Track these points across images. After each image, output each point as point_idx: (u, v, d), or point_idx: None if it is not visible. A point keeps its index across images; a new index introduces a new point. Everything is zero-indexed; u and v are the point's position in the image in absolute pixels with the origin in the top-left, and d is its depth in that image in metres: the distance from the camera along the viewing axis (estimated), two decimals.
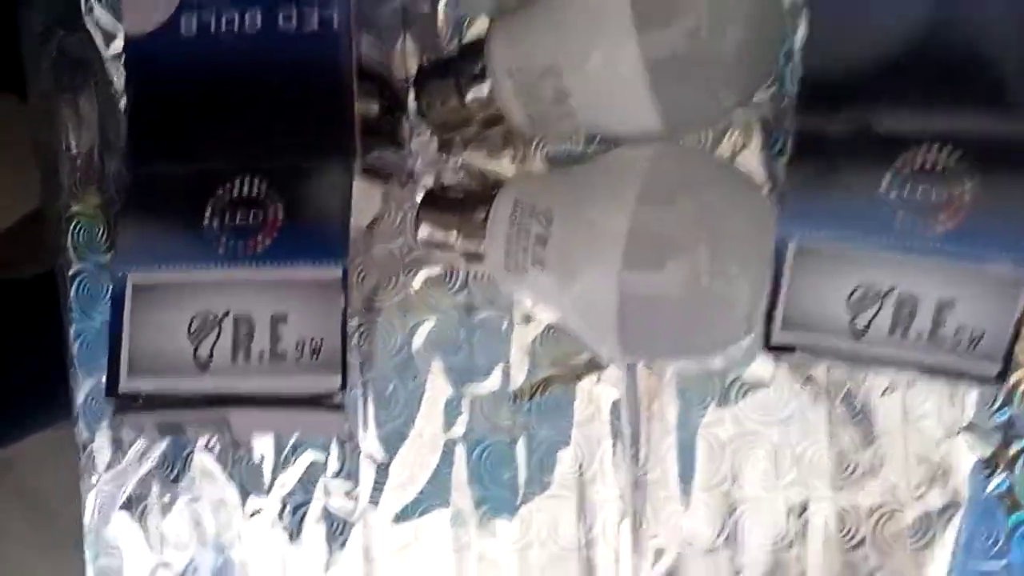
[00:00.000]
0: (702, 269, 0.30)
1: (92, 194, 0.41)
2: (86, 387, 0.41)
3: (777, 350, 0.32)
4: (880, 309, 0.31)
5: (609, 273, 0.30)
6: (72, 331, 0.41)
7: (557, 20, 0.31)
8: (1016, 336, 0.30)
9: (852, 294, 0.31)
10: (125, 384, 0.33)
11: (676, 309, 0.30)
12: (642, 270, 0.30)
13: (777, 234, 0.31)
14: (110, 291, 0.35)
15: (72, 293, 0.41)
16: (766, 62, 0.32)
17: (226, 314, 0.33)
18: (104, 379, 0.34)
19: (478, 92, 0.34)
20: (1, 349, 0.67)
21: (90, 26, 0.41)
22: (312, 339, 0.32)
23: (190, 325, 0.33)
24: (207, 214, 0.34)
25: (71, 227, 0.41)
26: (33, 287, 0.57)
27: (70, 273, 0.41)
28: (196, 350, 0.33)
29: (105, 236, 0.41)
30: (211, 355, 0.33)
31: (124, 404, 0.33)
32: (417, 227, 0.36)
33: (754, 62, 0.31)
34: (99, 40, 0.41)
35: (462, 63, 0.34)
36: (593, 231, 0.31)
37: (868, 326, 0.31)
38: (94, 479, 0.41)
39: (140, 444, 0.41)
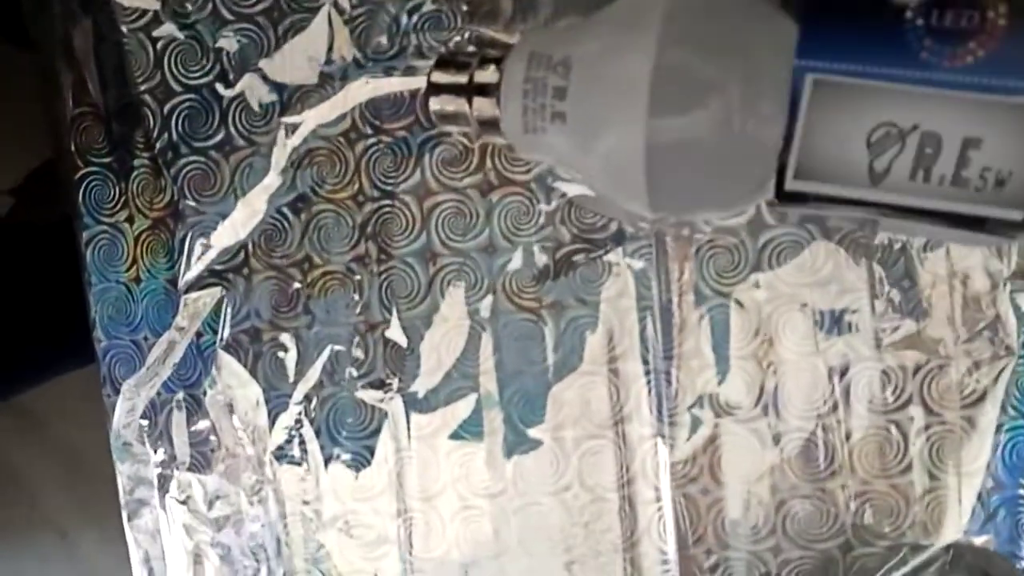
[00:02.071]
0: (733, 109, 0.28)
1: (102, 152, 0.40)
2: (102, 295, 0.40)
3: (789, 199, 0.30)
4: (902, 150, 0.29)
5: (635, 120, 0.28)
6: (91, 294, 0.40)
7: None
8: None
9: (872, 134, 0.29)
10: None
11: (707, 154, 0.29)
12: (669, 115, 0.28)
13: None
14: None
15: (88, 256, 0.40)
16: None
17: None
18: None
19: None
20: (16, 294, 0.67)
21: None
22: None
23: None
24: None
25: (83, 187, 0.40)
26: (48, 234, 0.56)
27: (85, 237, 0.40)
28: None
29: (116, 195, 0.40)
30: (888, 170, 0.29)
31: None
32: (427, 99, 0.34)
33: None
34: None
35: None
36: (616, 75, 0.29)
37: (888, 169, 0.29)
38: (116, 388, 0.40)
39: (159, 348, 0.40)
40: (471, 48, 0.37)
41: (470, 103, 0.33)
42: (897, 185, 0.29)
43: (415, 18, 0.37)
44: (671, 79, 0.28)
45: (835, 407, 0.36)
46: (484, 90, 0.33)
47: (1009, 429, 0.35)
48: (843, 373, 0.36)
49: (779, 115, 0.29)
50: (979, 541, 0.35)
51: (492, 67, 0.32)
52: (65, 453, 1.08)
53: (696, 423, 0.37)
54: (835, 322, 0.36)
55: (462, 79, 0.33)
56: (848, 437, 0.36)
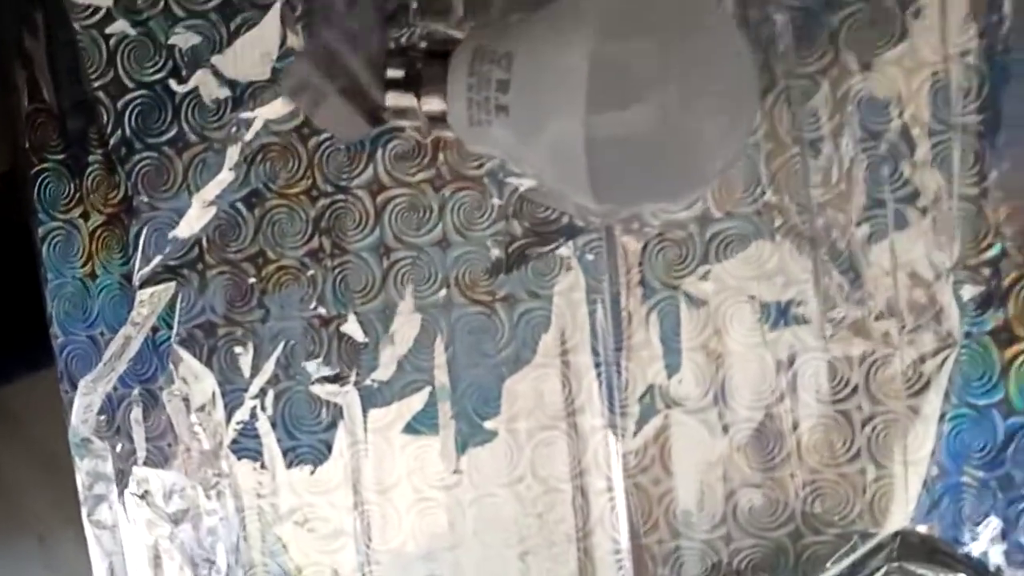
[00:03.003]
0: (670, 105, 0.29)
1: (56, 149, 0.40)
2: (58, 291, 0.40)
3: None
4: None
5: (573, 114, 0.29)
6: (47, 290, 0.40)
7: None
8: None
9: None
10: None
11: (645, 148, 0.29)
12: (608, 109, 0.29)
13: None
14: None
15: (44, 252, 0.40)
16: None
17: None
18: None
19: None
20: None
21: None
22: None
23: None
24: None
25: (38, 184, 0.40)
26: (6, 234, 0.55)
27: (40, 233, 0.40)
28: None
29: (71, 192, 0.40)
30: None
31: None
32: (383, 92, 0.34)
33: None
34: None
35: None
36: (555, 69, 0.29)
37: None
38: (73, 383, 0.40)
39: (116, 343, 0.40)
40: (422, 44, 0.37)
41: (419, 98, 0.33)
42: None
43: None
44: (609, 74, 0.28)
45: (783, 397, 0.36)
46: (433, 85, 0.33)
47: (952, 418, 0.35)
48: (790, 364, 0.36)
49: (717, 109, 0.29)
50: (924, 528, 0.36)
51: (438, 63, 0.33)
52: (44, 453, 1.08)
53: (646, 414, 0.37)
54: (781, 314, 0.36)
55: (411, 75, 0.34)
56: (796, 427, 0.36)
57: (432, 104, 0.33)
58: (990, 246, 0.35)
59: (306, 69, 0.28)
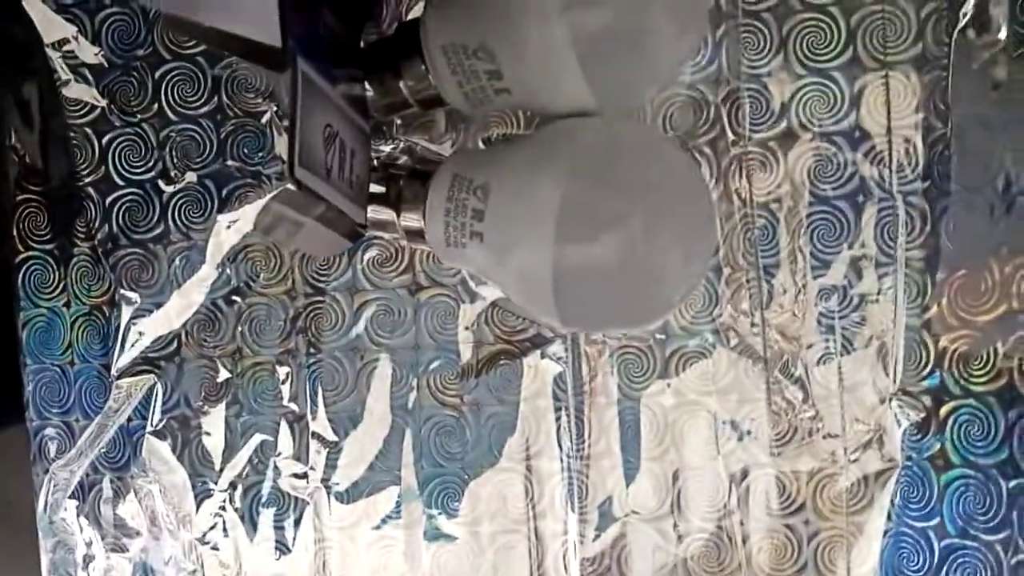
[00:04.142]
0: (636, 240, 0.30)
1: (43, 238, 0.41)
2: (36, 375, 0.41)
3: (297, 185, 0.27)
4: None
5: (543, 246, 0.30)
6: (21, 318, 0.41)
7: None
8: None
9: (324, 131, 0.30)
10: (298, 172, 0.28)
11: (611, 280, 0.31)
12: (575, 242, 0.30)
13: None
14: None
15: (25, 338, 0.41)
16: (696, 34, 0.33)
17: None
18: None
19: (416, 71, 0.35)
20: None
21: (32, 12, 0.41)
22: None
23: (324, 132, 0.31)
24: None
25: (23, 270, 0.41)
26: None
27: (22, 319, 0.41)
28: (326, 157, 0.31)
29: (56, 280, 0.41)
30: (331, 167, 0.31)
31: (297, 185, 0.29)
32: (364, 209, 0.36)
33: (684, 34, 0.32)
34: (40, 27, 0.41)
35: (399, 41, 0.35)
36: (528, 204, 0.31)
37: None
38: (46, 467, 0.41)
39: (90, 430, 0.41)
40: (404, 159, 0.39)
41: (398, 215, 0.35)
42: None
43: None
44: (577, 210, 0.30)
45: (735, 510, 0.38)
46: (412, 204, 0.35)
47: (893, 535, 0.37)
48: (743, 478, 0.38)
49: (678, 245, 0.31)
50: None
51: (419, 183, 0.35)
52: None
53: (605, 521, 0.39)
54: (735, 429, 0.38)
55: (392, 192, 0.35)
56: (747, 539, 0.38)
57: (411, 221, 0.35)
58: (930, 374, 0.37)
59: (278, 210, 0.29)
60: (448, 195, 0.33)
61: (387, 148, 0.39)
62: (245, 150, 0.40)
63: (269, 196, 0.39)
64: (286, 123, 0.39)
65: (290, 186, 0.27)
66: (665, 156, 0.32)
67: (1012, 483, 0.36)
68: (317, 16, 0.32)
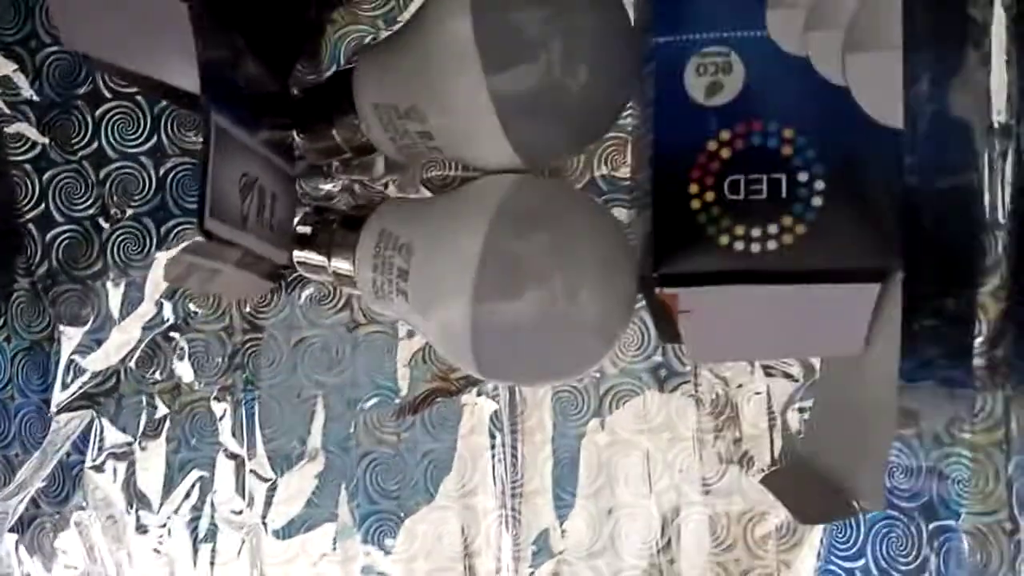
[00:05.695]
0: (555, 297, 0.30)
1: None
2: None
3: (207, 236, 0.28)
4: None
5: (462, 302, 0.30)
6: None
7: (414, 61, 0.31)
8: None
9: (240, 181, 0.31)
10: (208, 224, 0.29)
11: (530, 336, 0.31)
12: (493, 299, 0.30)
13: None
14: None
15: None
16: (620, 93, 0.33)
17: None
18: None
19: (348, 122, 0.35)
20: None
21: None
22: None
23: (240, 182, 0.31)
24: None
25: None
26: None
27: None
28: (242, 206, 0.31)
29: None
30: (247, 214, 0.31)
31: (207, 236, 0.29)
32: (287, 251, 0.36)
33: (606, 96, 0.32)
34: None
35: (330, 93, 0.35)
36: (448, 260, 0.31)
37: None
38: None
39: (30, 465, 0.41)
40: (343, 198, 0.39)
41: (329, 260, 0.36)
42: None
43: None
44: (496, 267, 0.30)
45: (667, 547, 0.38)
46: (343, 251, 0.35)
47: (820, 572, 0.38)
48: (675, 516, 0.38)
49: (597, 301, 0.31)
50: None
51: (349, 232, 0.35)
52: None
53: (540, 558, 0.39)
54: (667, 467, 0.38)
55: (324, 238, 0.36)
56: None
57: (342, 266, 0.35)
58: None
59: (190, 259, 0.29)
60: (375, 251, 0.34)
61: (327, 187, 0.40)
62: (184, 188, 0.40)
63: (177, 248, 0.39)
64: None
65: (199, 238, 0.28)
66: (585, 213, 0.32)
67: (933, 525, 0.37)
68: (236, 64, 0.32)
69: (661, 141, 0.29)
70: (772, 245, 0.28)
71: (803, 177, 0.28)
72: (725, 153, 0.29)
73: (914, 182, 0.35)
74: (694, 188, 0.29)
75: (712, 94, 0.29)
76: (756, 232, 0.28)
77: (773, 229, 0.28)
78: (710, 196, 0.29)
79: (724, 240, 0.28)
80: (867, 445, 0.30)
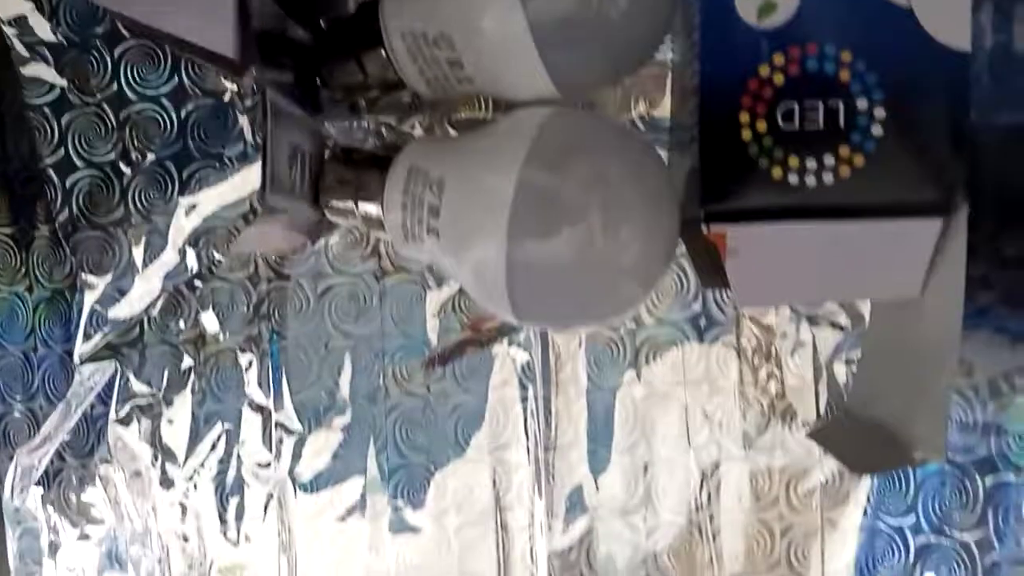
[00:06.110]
0: (593, 235, 0.29)
1: (3, 222, 0.40)
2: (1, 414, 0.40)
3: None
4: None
5: (496, 241, 0.29)
6: None
7: None
8: None
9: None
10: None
11: (567, 277, 0.29)
12: (528, 237, 0.29)
13: None
14: None
15: None
16: (659, 24, 0.31)
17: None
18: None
19: (376, 55, 0.33)
20: None
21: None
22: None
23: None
24: None
25: None
26: None
27: None
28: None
29: (17, 264, 0.40)
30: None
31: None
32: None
33: (646, 24, 0.30)
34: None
35: (357, 25, 0.33)
36: (481, 197, 0.30)
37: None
38: (10, 454, 0.41)
39: (55, 417, 0.40)
40: (369, 140, 0.38)
41: (356, 204, 0.34)
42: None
43: None
44: (532, 203, 0.29)
45: (706, 503, 0.37)
46: (371, 193, 0.34)
47: (867, 529, 0.36)
48: (714, 471, 0.37)
49: (638, 240, 0.30)
50: None
51: (377, 173, 0.33)
52: None
53: (573, 514, 0.38)
54: (706, 421, 0.37)
55: (352, 181, 0.34)
56: (718, 533, 0.37)
57: (370, 209, 0.34)
58: None
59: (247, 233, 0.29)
60: (404, 188, 0.32)
61: (353, 128, 0.38)
62: (205, 131, 0.39)
63: (246, 230, 0.38)
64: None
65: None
66: (625, 147, 0.31)
67: (990, 480, 0.35)
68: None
69: (708, 67, 0.27)
70: (828, 178, 0.27)
71: (862, 104, 0.26)
72: (778, 79, 0.27)
73: (973, 116, 0.33)
74: (744, 117, 0.27)
75: (764, 15, 0.27)
76: (811, 164, 0.27)
77: (829, 160, 0.26)
78: (762, 126, 0.27)
79: (777, 173, 0.27)
80: (927, 393, 0.28)
